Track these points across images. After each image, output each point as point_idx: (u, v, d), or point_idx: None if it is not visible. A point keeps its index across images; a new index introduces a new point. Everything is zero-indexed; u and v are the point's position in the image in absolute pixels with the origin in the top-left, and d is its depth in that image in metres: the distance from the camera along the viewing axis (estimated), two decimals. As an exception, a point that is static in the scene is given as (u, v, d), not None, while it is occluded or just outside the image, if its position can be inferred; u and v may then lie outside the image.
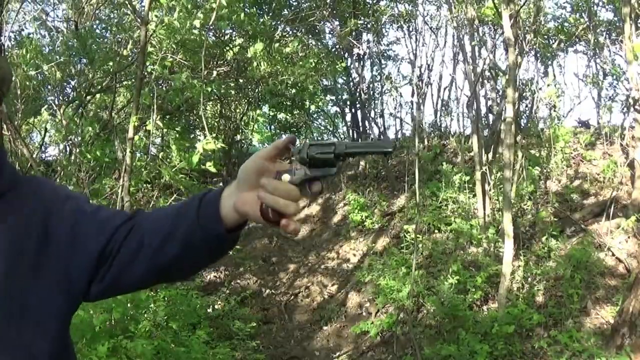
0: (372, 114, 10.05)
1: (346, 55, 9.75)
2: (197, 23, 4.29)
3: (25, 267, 0.91)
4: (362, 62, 9.88)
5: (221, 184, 9.20)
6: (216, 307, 5.81)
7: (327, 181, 0.89)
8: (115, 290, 1.00)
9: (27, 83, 6.17)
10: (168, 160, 3.96)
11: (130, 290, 1.05)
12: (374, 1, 9.85)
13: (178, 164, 3.71)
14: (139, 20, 3.83)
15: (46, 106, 6.42)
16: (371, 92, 9.99)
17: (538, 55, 8.28)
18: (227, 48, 7.06)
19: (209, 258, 0.95)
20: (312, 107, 10.27)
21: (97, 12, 6.70)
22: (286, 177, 0.87)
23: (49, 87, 6.12)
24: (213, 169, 4.31)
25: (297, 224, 0.86)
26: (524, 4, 5.97)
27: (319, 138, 11.51)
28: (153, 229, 0.93)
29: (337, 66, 8.35)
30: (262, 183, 0.85)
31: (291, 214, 0.84)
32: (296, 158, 0.89)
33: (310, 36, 9.11)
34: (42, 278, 0.92)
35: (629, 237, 5.45)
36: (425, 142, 8.66)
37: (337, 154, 0.87)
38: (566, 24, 8.09)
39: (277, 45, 6.84)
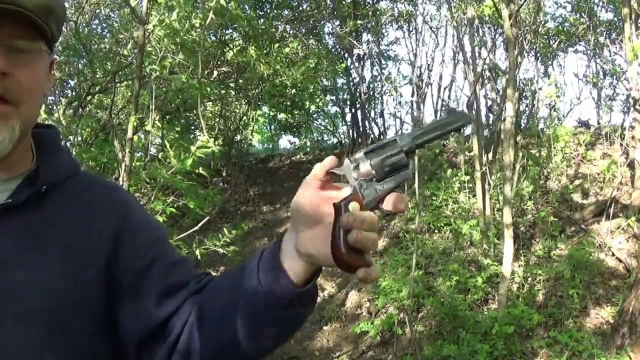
0: (372, 114, 10.06)
1: (346, 55, 9.75)
2: (196, 23, 4.27)
3: (80, 280, 0.79)
4: (362, 62, 9.89)
5: (221, 184, 9.20)
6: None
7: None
8: None
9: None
10: (167, 161, 3.95)
11: None
12: (374, 1, 9.86)
13: (175, 165, 3.68)
14: (137, 19, 3.83)
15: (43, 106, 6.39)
16: (371, 92, 10.00)
17: (538, 55, 8.28)
18: (227, 49, 7.05)
19: (280, 328, 0.76)
20: (312, 107, 10.26)
21: (97, 11, 6.70)
22: (354, 205, 0.67)
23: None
24: (205, 173, 4.27)
25: (376, 267, 0.68)
26: (523, 3, 5.97)
27: (319, 138, 11.51)
28: (214, 305, 0.79)
29: (337, 67, 8.35)
30: (346, 221, 0.65)
31: (374, 250, 0.68)
32: (355, 176, 0.69)
33: (310, 36, 9.12)
34: (87, 312, 0.79)
35: (629, 237, 5.44)
36: (425, 142, 8.65)
37: (407, 150, 0.69)
38: (566, 24, 8.09)
39: (276, 45, 6.84)
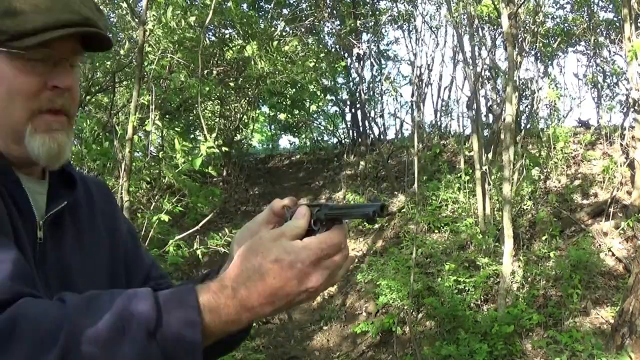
0: (372, 114, 10.06)
1: (346, 55, 9.75)
2: (192, 20, 4.27)
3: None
4: (362, 62, 9.88)
5: (221, 184, 9.19)
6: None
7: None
8: None
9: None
10: (171, 160, 3.95)
11: None
12: (374, 1, 9.86)
13: (181, 164, 3.69)
14: (136, 20, 3.83)
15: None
16: (371, 92, 9.99)
17: (538, 55, 8.28)
18: (226, 48, 7.05)
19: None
20: (312, 107, 10.26)
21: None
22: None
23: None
24: (214, 172, 4.30)
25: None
26: (522, 2, 5.97)
27: (319, 138, 11.51)
28: None
29: (336, 66, 8.34)
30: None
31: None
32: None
33: (309, 36, 9.11)
34: None
35: (628, 237, 5.44)
36: (425, 142, 8.66)
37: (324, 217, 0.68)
38: (566, 24, 8.09)
39: (275, 43, 6.83)
